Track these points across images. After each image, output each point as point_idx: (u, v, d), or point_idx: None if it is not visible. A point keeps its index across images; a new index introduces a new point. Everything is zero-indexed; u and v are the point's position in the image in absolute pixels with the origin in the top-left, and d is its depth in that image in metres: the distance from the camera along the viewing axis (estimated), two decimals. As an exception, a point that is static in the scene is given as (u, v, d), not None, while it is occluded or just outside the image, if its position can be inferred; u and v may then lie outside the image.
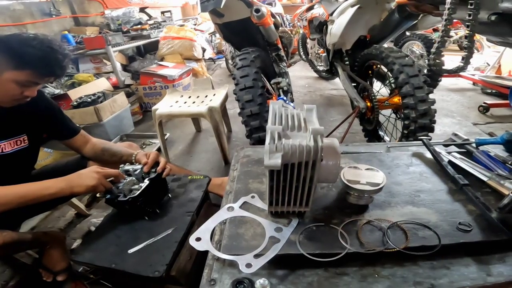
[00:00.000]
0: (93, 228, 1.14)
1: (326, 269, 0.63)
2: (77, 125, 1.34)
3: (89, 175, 1.05)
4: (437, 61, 0.95)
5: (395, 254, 0.64)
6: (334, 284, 0.60)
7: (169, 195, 1.21)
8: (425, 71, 3.33)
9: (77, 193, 1.07)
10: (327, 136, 2.10)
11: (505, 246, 0.65)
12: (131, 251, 0.96)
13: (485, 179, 0.82)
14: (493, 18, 0.81)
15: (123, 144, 1.47)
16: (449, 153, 0.95)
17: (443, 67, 0.95)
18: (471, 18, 0.81)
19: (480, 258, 0.64)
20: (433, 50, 0.96)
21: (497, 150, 0.95)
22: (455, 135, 1.02)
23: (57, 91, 2.60)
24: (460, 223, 0.69)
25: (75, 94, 2.60)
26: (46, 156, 2.09)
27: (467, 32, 0.86)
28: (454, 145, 1.00)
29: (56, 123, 1.25)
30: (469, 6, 0.81)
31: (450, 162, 0.90)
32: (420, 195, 0.81)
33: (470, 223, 0.68)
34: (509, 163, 0.86)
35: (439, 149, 0.96)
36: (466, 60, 0.90)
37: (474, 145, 0.97)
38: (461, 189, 0.78)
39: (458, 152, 0.96)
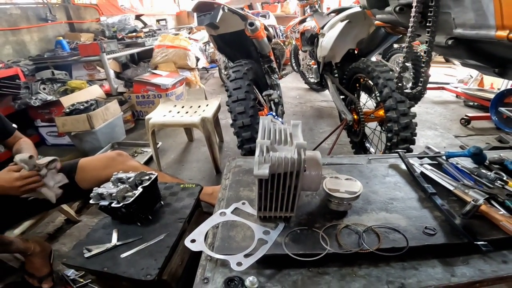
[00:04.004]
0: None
1: (309, 269, 0.70)
2: (13, 125, 1.38)
3: (12, 187, 1.09)
4: (399, 84, 1.03)
5: (370, 255, 0.70)
6: (316, 283, 0.67)
7: (162, 202, 1.23)
8: (410, 84, 3.41)
9: None
10: (316, 147, 2.18)
11: (468, 250, 0.72)
12: (123, 255, 0.97)
13: (451, 188, 0.89)
14: (450, 42, 0.88)
15: (112, 153, 1.47)
16: (421, 164, 1.03)
17: (405, 91, 1.03)
18: (427, 45, 0.89)
19: (445, 260, 0.71)
20: (395, 74, 1.04)
21: (466, 162, 1.03)
22: (428, 148, 1.11)
23: (49, 98, 2.61)
24: (426, 227, 0.76)
25: (67, 101, 2.62)
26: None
27: (424, 58, 0.94)
28: (427, 157, 1.09)
29: None
30: (426, 34, 0.88)
31: (422, 173, 0.98)
32: (393, 202, 0.88)
33: (435, 228, 0.76)
34: (475, 174, 0.95)
35: (413, 161, 1.04)
36: (424, 84, 0.97)
37: (444, 157, 1.06)
38: (429, 197, 0.86)
39: (430, 164, 1.04)
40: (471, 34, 0.78)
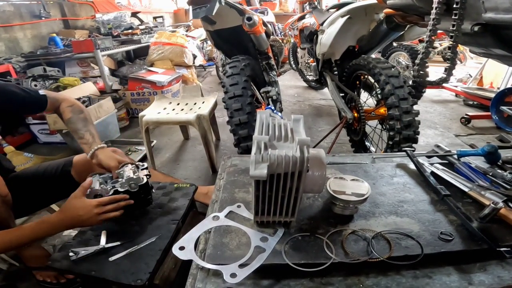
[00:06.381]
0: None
1: (312, 279, 0.64)
2: (40, 92, 1.20)
3: (91, 216, 0.99)
4: (421, 72, 0.97)
5: (379, 264, 0.64)
6: (319, 295, 0.60)
7: (152, 203, 1.18)
8: (410, 82, 3.42)
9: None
10: (314, 147, 2.12)
11: (486, 255, 0.67)
12: (112, 258, 0.93)
13: (466, 189, 0.84)
14: (476, 29, 0.82)
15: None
16: (431, 164, 0.97)
17: (427, 79, 0.97)
18: (454, 28, 0.83)
19: (461, 267, 0.65)
20: (417, 61, 0.98)
21: (478, 162, 0.98)
22: (438, 146, 1.05)
23: (41, 95, 2.55)
24: (441, 232, 0.70)
25: (60, 98, 2.56)
26: (26, 161, 2.04)
27: (451, 43, 0.88)
28: (437, 156, 1.02)
29: (18, 109, 1.19)
30: (453, 17, 0.82)
31: (432, 173, 0.92)
32: (404, 205, 0.82)
33: (451, 233, 0.70)
34: (490, 174, 0.89)
35: (422, 160, 0.98)
36: (449, 71, 0.92)
37: (456, 156, 1.00)
38: (442, 200, 0.80)
39: (440, 163, 0.99)
40: (505, 19, 0.71)
